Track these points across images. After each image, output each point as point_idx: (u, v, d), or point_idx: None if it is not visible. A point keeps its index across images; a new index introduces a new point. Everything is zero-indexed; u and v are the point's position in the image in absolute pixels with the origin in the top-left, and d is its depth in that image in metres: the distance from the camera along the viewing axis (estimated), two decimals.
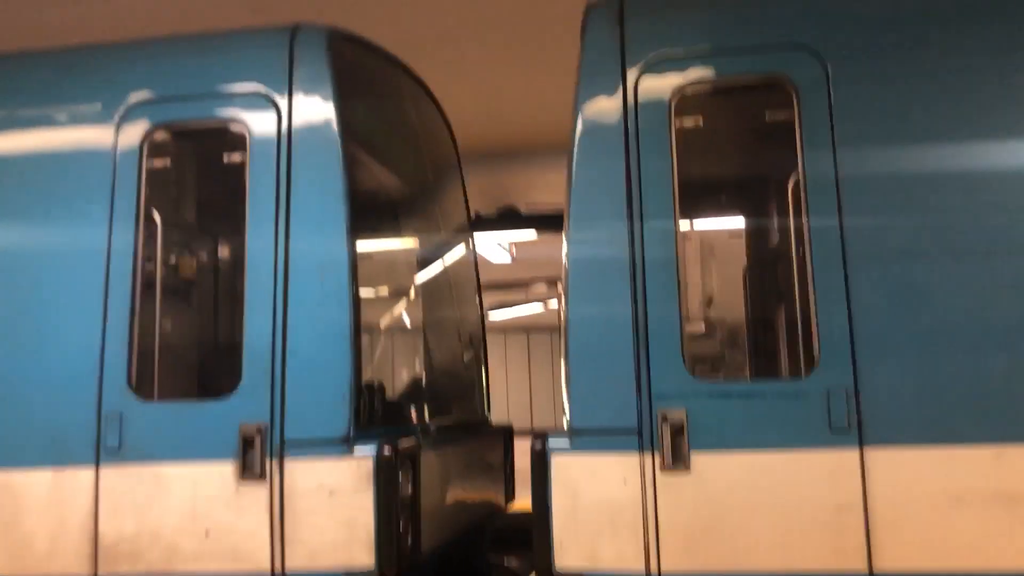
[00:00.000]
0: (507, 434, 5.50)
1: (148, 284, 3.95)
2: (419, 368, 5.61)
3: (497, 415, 5.89)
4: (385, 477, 3.47)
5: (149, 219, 3.96)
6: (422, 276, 5.67)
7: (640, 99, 3.62)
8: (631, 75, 3.63)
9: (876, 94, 3.50)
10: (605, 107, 3.64)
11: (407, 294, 5.64)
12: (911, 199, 3.41)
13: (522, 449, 3.88)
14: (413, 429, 4.43)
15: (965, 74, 3.47)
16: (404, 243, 5.61)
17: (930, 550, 3.19)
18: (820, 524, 3.25)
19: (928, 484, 3.21)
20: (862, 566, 3.19)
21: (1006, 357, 3.25)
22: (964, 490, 3.19)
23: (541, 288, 15.21)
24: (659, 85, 3.62)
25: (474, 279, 5.90)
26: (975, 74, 3.47)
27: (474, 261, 6.02)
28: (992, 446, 3.19)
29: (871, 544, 3.20)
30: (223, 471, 3.57)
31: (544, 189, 9.36)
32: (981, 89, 3.46)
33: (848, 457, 3.25)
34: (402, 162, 5.26)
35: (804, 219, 3.46)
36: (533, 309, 18.46)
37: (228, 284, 4.74)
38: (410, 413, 5.03)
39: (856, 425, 3.25)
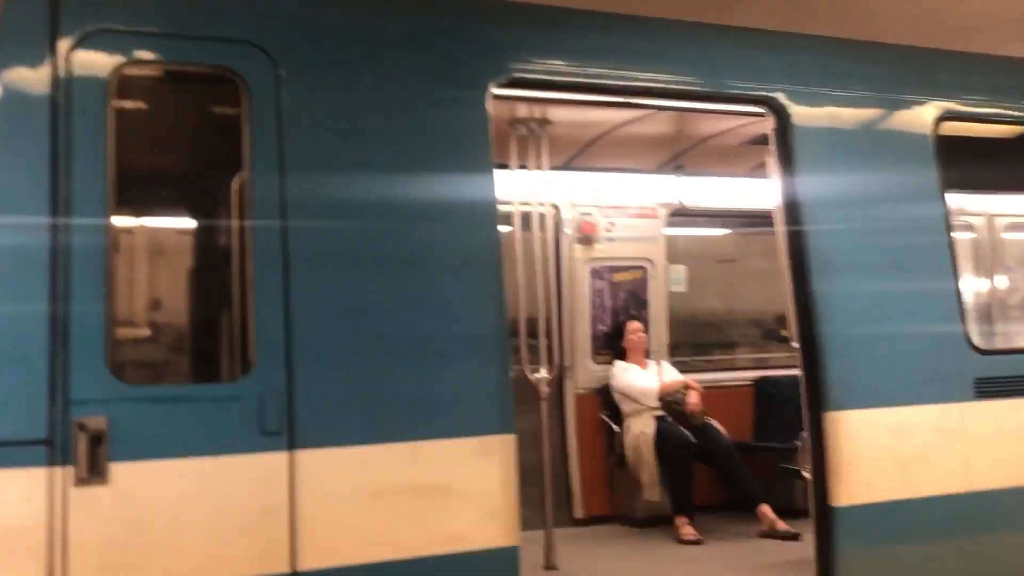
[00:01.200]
0: None
1: None
2: None
3: None
4: None
5: None
6: None
7: (73, 74, 3.24)
8: (63, 45, 3.23)
9: (326, 103, 3.60)
10: (29, 78, 3.19)
11: None
12: (350, 209, 3.56)
13: None
14: None
15: (407, 98, 3.74)
16: None
17: (352, 545, 3.32)
18: (247, 529, 3.19)
19: (352, 482, 3.35)
20: (286, 567, 3.21)
21: (422, 362, 3.54)
22: (384, 485, 3.40)
23: None
24: (97, 61, 3.28)
25: None
26: (415, 99, 3.75)
27: None
28: (409, 443, 3.45)
29: (295, 544, 3.23)
30: None
31: None
32: (421, 114, 3.74)
33: (277, 460, 3.25)
34: None
35: (248, 220, 3.41)
36: None
37: None
38: None
39: (287, 428, 3.28)
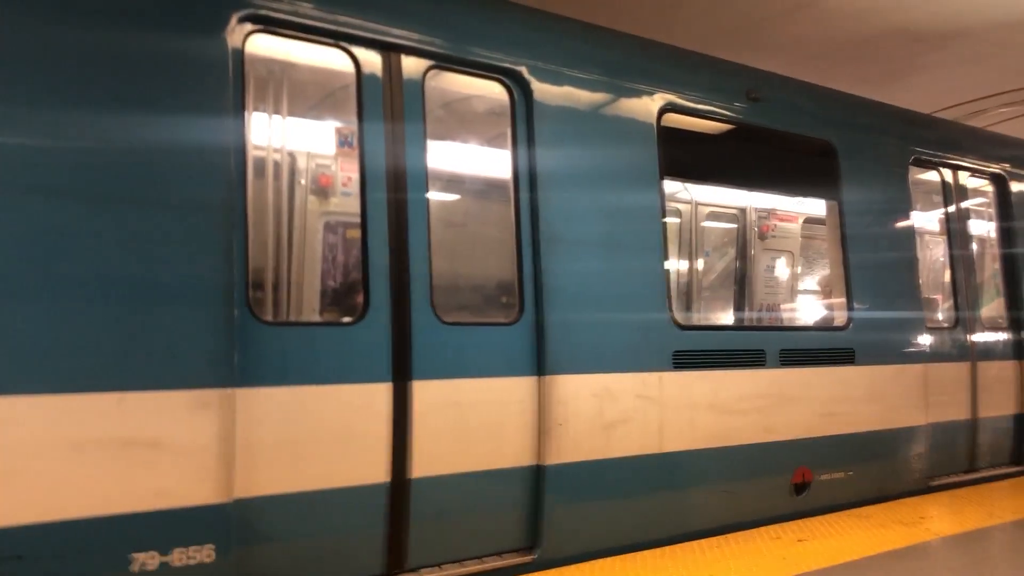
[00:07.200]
0: None
1: None
2: None
3: None
4: None
5: None
6: None
7: None
8: None
9: (30, 8, 3.22)
10: None
11: None
12: (54, 136, 3.23)
13: None
14: None
15: (134, 16, 3.43)
16: None
17: (43, 501, 3.07)
18: None
19: (46, 433, 3.07)
20: None
21: (133, 306, 3.31)
22: (85, 438, 3.15)
23: None
24: None
25: None
26: (145, 19, 3.45)
27: None
28: (115, 393, 3.21)
29: None
30: None
31: None
32: (149, 37, 3.45)
33: None
34: None
35: None
36: None
37: None
38: None
39: None
